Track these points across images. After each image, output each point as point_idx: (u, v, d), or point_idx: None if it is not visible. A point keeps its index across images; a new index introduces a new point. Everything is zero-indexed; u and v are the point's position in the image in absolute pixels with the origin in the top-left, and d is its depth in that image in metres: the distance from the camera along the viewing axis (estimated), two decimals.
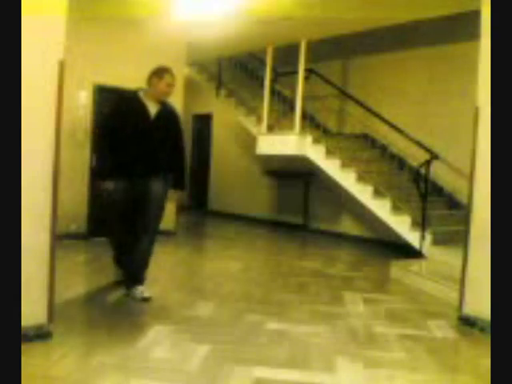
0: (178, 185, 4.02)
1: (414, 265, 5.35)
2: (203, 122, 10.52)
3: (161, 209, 3.91)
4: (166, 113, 3.92)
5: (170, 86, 3.84)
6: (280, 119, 7.72)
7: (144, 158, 3.81)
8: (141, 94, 3.87)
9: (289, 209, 8.72)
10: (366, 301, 4.20)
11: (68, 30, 2.90)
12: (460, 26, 5.94)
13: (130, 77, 6.42)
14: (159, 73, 3.84)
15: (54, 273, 2.89)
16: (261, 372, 2.63)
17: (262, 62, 7.76)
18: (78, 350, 2.83)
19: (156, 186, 3.84)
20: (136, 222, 3.87)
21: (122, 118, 3.80)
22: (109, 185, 3.77)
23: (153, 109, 3.85)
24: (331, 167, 6.69)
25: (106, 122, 4.02)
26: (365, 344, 3.16)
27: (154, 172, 3.86)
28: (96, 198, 6.19)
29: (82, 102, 6.29)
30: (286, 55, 7.28)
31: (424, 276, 4.89)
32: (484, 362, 2.89)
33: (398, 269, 5.18)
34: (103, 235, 6.36)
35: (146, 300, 3.80)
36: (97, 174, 4.28)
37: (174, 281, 4.83)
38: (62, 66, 2.85)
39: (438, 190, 6.66)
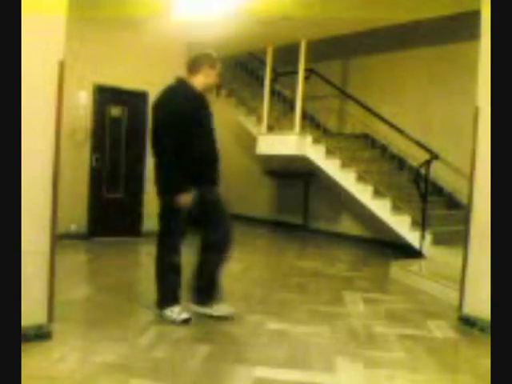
0: None
1: (414, 265, 5.35)
2: None
3: None
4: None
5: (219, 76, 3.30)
6: (280, 119, 7.71)
7: (216, 162, 3.39)
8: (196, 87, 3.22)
9: (289, 209, 8.71)
10: (366, 301, 4.20)
11: (68, 31, 2.91)
12: (460, 26, 5.93)
13: (130, 77, 6.47)
14: (211, 61, 3.22)
15: (54, 273, 2.89)
16: (261, 372, 2.63)
17: (262, 62, 7.75)
18: (78, 350, 2.83)
19: None
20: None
21: (194, 117, 3.16)
22: (187, 197, 3.21)
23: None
24: (331, 167, 6.69)
25: (179, 125, 3.13)
26: (365, 344, 3.16)
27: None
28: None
29: (82, 102, 6.29)
30: (286, 55, 7.27)
31: (424, 276, 4.89)
32: (484, 362, 2.89)
33: (397, 269, 5.18)
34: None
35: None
36: (170, 188, 3.27)
37: None
38: (62, 66, 2.85)
39: (438, 190, 6.65)
